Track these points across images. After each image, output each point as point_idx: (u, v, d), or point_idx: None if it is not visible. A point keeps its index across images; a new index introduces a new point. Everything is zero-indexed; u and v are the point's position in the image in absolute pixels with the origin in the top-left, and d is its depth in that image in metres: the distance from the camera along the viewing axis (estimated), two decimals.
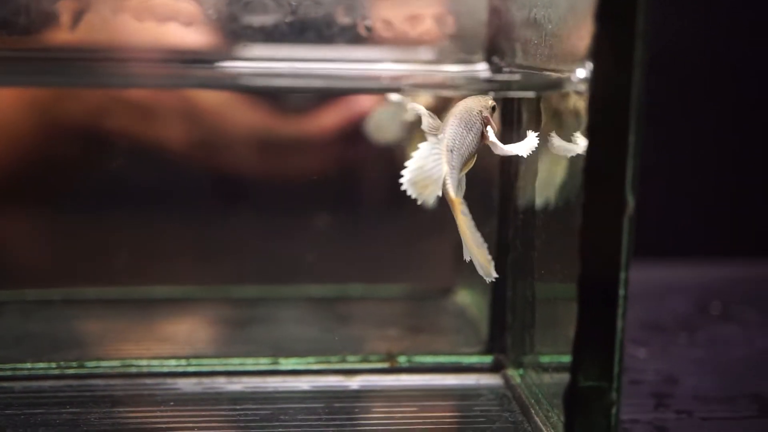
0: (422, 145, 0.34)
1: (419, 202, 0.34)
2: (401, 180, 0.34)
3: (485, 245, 0.35)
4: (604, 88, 0.31)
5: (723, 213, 0.71)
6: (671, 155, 0.70)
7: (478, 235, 0.34)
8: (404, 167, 0.34)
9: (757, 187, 0.71)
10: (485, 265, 0.35)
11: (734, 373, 0.48)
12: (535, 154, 0.39)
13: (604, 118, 0.31)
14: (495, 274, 0.35)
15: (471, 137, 0.36)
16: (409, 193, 0.34)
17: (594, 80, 0.31)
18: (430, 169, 0.34)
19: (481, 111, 0.36)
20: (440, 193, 0.34)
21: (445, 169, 0.34)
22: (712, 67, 0.69)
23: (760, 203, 0.71)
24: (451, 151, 0.35)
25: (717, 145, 0.70)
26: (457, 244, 0.52)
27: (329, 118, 0.52)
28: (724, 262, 0.67)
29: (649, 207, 0.68)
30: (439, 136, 0.35)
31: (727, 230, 0.71)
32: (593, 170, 0.32)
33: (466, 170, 0.36)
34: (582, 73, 0.32)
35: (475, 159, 0.36)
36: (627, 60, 0.31)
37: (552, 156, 0.37)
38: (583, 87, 0.32)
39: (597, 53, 0.31)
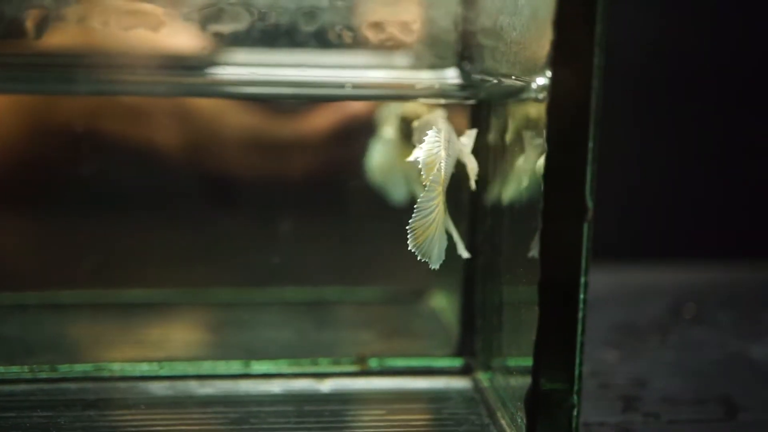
0: (430, 133, 0.36)
1: (425, 183, 0.35)
2: (413, 159, 0.36)
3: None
4: (562, 96, 0.32)
5: (698, 216, 0.71)
6: (646, 158, 0.71)
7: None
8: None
9: (733, 190, 0.72)
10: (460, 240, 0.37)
11: (704, 376, 0.49)
12: (503, 160, 0.39)
13: (563, 125, 0.32)
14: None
15: (457, 141, 0.38)
16: (422, 171, 0.35)
17: (553, 87, 0.32)
18: (436, 153, 0.36)
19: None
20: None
21: (442, 154, 0.36)
22: (683, 67, 0.70)
23: (736, 206, 0.72)
24: (449, 141, 0.37)
25: (693, 148, 0.71)
26: None
27: (304, 123, 0.52)
28: (699, 265, 0.67)
29: (624, 210, 0.69)
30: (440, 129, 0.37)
31: (703, 233, 0.71)
32: (553, 176, 0.32)
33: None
34: (541, 80, 0.33)
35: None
36: (585, 67, 0.31)
37: (517, 162, 0.37)
38: (542, 95, 0.33)
39: (555, 61, 0.32)
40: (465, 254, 0.38)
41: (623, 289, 0.63)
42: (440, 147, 0.36)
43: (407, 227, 0.35)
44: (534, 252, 0.34)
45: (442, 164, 0.36)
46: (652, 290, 0.63)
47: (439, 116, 0.40)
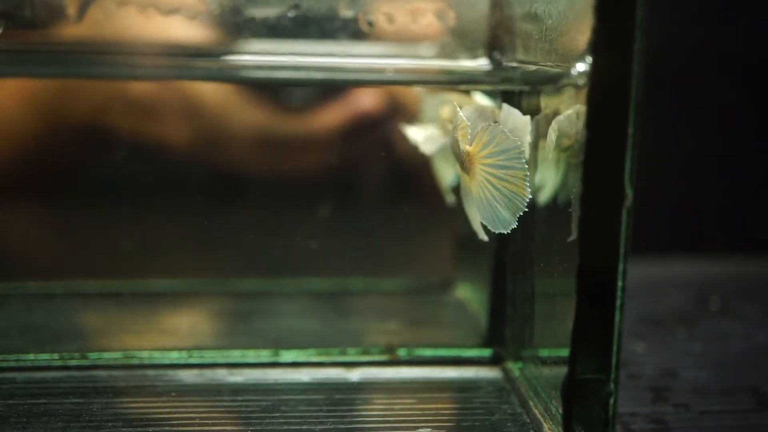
0: (467, 108, 0.38)
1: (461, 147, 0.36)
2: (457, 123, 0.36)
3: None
4: (603, 81, 0.32)
5: (722, 209, 0.71)
6: (672, 151, 0.70)
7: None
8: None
9: (756, 183, 0.71)
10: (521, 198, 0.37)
11: (732, 367, 0.49)
12: (535, 148, 0.39)
13: (604, 111, 0.32)
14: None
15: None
16: (458, 131, 0.37)
17: (594, 73, 0.32)
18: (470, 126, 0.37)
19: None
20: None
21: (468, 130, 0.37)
22: (715, 62, 0.69)
23: (760, 199, 0.71)
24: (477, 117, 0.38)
25: (717, 142, 0.71)
26: (458, 238, 0.53)
27: (332, 114, 0.52)
28: (723, 258, 0.67)
29: (650, 203, 0.68)
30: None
31: (727, 226, 0.71)
32: (592, 163, 0.32)
33: None
34: (581, 66, 0.33)
35: None
36: (627, 53, 0.31)
37: (552, 149, 0.37)
38: (582, 81, 0.33)
39: (597, 46, 0.31)
40: (483, 237, 0.38)
41: (647, 281, 0.63)
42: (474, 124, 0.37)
43: None
44: (573, 236, 0.34)
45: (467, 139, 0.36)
46: (676, 283, 0.63)
47: (478, 102, 0.40)
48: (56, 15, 0.42)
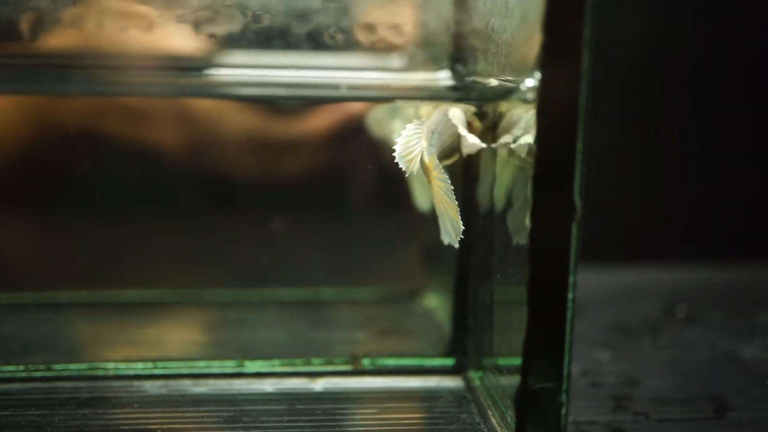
0: (408, 126, 0.38)
1: (407, 174, 0.37)
2: (393, 154, 0.37)
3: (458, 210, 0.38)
4: (551, 97, 0.32)
5: (691, 216, 0.71)
6: (641, 159, 0.71)
7: (453, 197, 0.37)
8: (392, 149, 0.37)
9: (726, 191, 0.72)
10: (457, 224, 0.38)
11: (694, 376, 0.49)
12: (494, 160, 0.40)
13: (552, 125, 0.32)
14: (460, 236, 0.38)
15: (453, 129, 0.39)
16: (399, 164, 0.37)
17: (542, 89, 0.32)
18: (413, 145, 0.37)
19: (464, 112, 0.40)
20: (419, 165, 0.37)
21: (423, 143, 0.37)
22: (679, 67, 0.70)
23: (730, 206, 0.72)
24: (432, 132, 0.38)
25: (687, 150, 0.71)
26: (426, 247, 0.53)
27: (301, 124, 0.53)
28: (693, 265, 0.68)
29: (617, 211, 0.69)
30: (423, 121, 0.39)
31: (696, 233, 0.71)
32: (542, 177, 0.33)
33: (448, 162, 0.40)
34: (531, 82, 0.33)
35: (457, 156, 0.40)
36: (574, 69, 0.32)
37: (506, 162, 0.38)
38: (532, 96, 0.33)
39: (545, 62, 0.32)
40: (446, 240, 0.39)
41: (616, 289, 0.64)
42: (420, 138, 0.37)
43: None
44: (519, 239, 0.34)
45: (425, 153, 0.37)
46: (644, 290, 0.64)
47: (441, 111, 0.41)
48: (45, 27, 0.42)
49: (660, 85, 0.70)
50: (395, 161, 0.37)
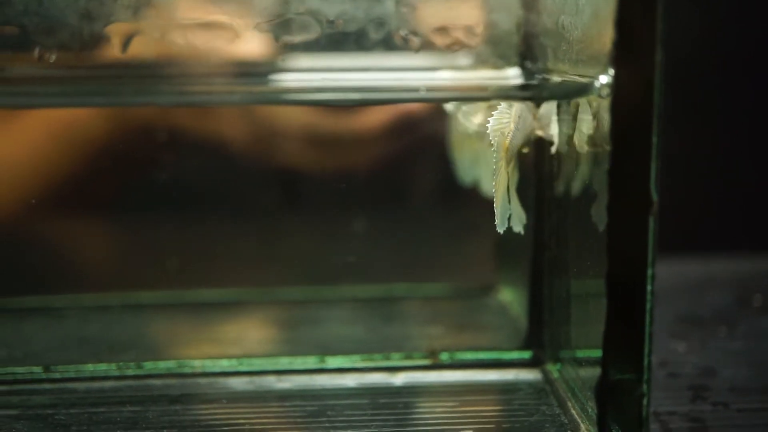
0: (500, 105, 0.40)
1: (493, 149, 0.39)
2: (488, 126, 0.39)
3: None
4: (626, 93, 0.33)
5: (764, 205, 0.71)
6: (711, 152, 0.71)
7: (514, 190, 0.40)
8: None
9: None
10: (521, 213, 0.40)
11: None
12: (568, 155, 0.40)
13: (627, 121, 0.33)
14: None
15: (530, 121, 0.41)
16: (491, 137, 0.39)
17: (616, 85, 0.33)
18: (505, 123, 0.39)
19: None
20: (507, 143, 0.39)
21: (512, 126, 0.39)
22: (737, 62, 0.69)
23: None
24: (519, 117, 0.40)
25: (754, 140, 0.71)
26: (499, 242, 0.54)
27: (371, 120, 0.54)
28: (763, 255, 0.67)
29: (689, 203, 0.69)
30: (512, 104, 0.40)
31: (765, 223, 0.71)
32: (618, 171, 0.33)
33: (523, 148, 0.41)
34: (605, 78, 0.34)
35: (529, 148, 0.42)
36: (648, 65, 0.32)
37: (582, 157, 0.38)
38: (606, 92, 0.34)
39: (618, 59, 0.32)
40: (517, 227, 0.41)
41: (689, 280, 0.63)
42: (509, 119, 0.39)
43: None
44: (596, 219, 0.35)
45: (509, 135, 0.38)
46: (717, 281, 0.63)
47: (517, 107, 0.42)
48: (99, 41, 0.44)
49: (725, 75, 0.69)
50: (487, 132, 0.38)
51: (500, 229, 0.41)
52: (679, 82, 0.67)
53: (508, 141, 0.39)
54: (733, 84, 0.70)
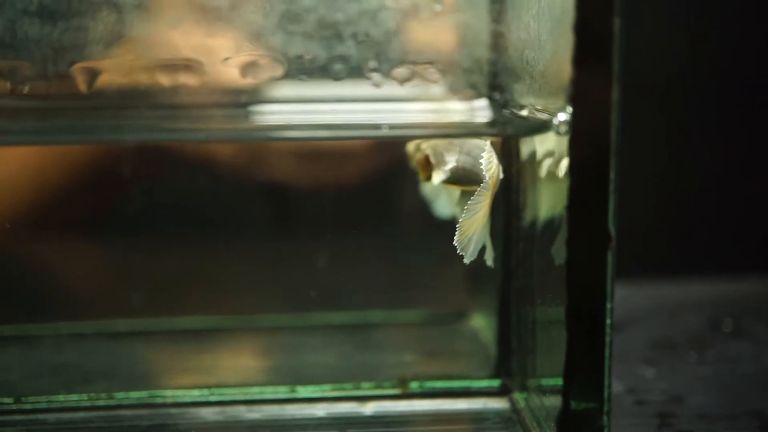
0: (486, 144, 0.40)
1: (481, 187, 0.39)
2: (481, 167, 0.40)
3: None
4: (582, 130, 0.33)
5: (735, 228, 0.72)
6: (681, 172, 0.71)
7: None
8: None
9: None
10: (490, 247, 0.41)
11: (739, 391, 0.50)
12: (533, 188, 0.41)
13: (585, 158, 0.33)
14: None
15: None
16: (486, 177, 0.39)
17: (574, 123, 0.33)
18: (494, 162, 0.40)
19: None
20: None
21: (495, 162, 0.39)
22: (711, 77, 0.70)
23: None
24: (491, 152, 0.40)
25: (728, 161, 0.71)
26: (472, 268, 0.54)
27: (344, 150, 0.54)
28: (737, 278, 0.68)
29: (661, 224, 0.70)
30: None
31: (740, 245, 0.72)
32: (576, 207, 0.34)
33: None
34: (563, 116, 0.34)
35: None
36: (604, 102, 0.33)
37: (545, 191, 0.39)
38: (564, 129, 0.34)
39: (575, 97, 0.33)
40: (490, 262, 0.42)
41: (659, 304, 0.64)
42: (494, 157, 0.39)
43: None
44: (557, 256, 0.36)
45: (498, 171, 0.39)
46: (689, 305, 0.64)
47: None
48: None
49: (693, 90, 0.70)
50: (485, 174, 0.39)
51: (467, 261, 0.41)
52: (660, 99, 0.69)
53: (495, 177, 0.39)
54: (710, 105, 0.71)
